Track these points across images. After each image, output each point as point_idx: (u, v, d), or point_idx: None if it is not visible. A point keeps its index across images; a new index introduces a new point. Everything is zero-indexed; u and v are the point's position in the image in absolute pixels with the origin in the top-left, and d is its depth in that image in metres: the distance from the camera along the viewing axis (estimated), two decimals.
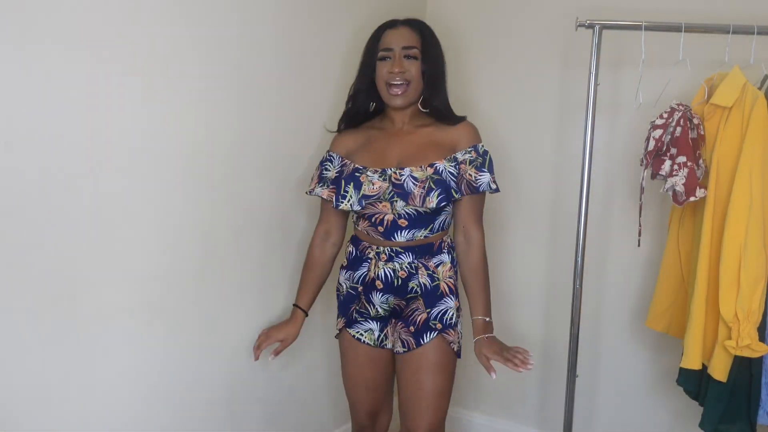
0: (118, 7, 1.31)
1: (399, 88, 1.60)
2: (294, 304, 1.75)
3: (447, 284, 1.66)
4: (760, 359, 1.60)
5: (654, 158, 1.65)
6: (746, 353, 1.54)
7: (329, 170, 1.70)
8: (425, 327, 1.63)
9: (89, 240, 1.31)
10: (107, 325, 1.38)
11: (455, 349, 1.66)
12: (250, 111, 1.68)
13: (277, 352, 1.72)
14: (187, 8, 1.46)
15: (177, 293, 1.53)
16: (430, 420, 1.64)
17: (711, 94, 1.64)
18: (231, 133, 1.63)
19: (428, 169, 1.59)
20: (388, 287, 1.66)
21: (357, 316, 1.72)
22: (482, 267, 1.65)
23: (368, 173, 1.62)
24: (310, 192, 1.72)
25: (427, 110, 1.66)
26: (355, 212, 1.66)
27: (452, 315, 1.65)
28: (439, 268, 1.65)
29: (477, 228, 1.65)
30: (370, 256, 1.67)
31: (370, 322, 1.71)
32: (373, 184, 1.60)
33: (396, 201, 1.59)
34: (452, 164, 1.61)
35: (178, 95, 1.47)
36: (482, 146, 1.64)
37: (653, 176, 1.67)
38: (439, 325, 1.63)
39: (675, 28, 1.63)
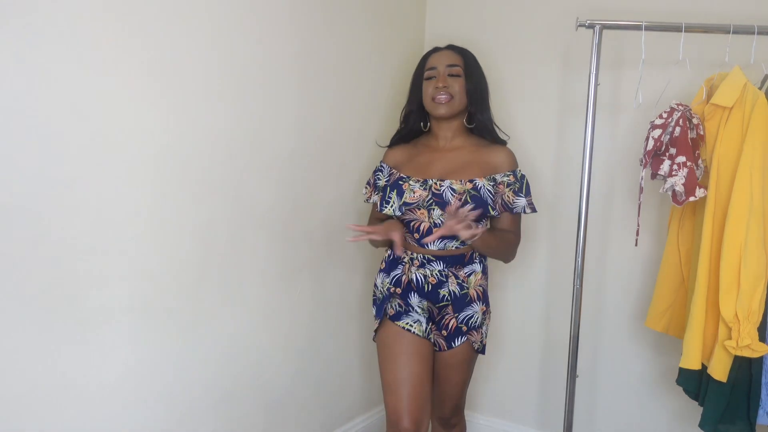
0: (119, 8, 1.31)
1: (444, 96, 1.74)
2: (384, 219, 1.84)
3: (476, 291, 1.79)
4: (760, 359, 1.60)
5: (653, 158, 1.65)
6: (746, 353, 1.54)
7: (380, 180, 1.88)
8: (457, 332, 1.76)
9: (89, 240, 1.32)
10: (107, 324, 1.38)
11: (476, 348, 1.82)
12: (245, 111, 1.68)
13: (399, 247, 1.72)
14: (189, 8, 1.47)
15: (176, 293, 1.53)
16: (454, 402, 1.87)
17: (711, 95, 1.64)
18: (230, 132, 1.63)
19: (467, 183, 1.73)
20: (420, 291, 1.77)
21: (402, 310, 1.78)
22: (507, 238, 1.77)
23: (411, 182, 1.77)
24: (367, 200, 1.91)
25: (472, 126, 1.81)
26: (396, 217, 1.79)
27: (477, 318, 1.78)
28: (471, 277, 1.78)
29: (516, 234, 1.81)
30: (405, 260, 1.79)
31: (419, 314, 1.77)
32: (413, 192, 1.75)
33: (433, 209, 1.72)
34: (491, 183, 1.75)
35: (177, 96, 1.47)
36: (520, 171, 1.78)
37: (653, 176, 1.66)
38: (464, 328, 1.76)
39: (675, 28, 1.63)
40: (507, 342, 2.38)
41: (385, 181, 1.84)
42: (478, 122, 1.80)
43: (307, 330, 2.00)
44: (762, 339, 1.58)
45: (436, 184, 1.74)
